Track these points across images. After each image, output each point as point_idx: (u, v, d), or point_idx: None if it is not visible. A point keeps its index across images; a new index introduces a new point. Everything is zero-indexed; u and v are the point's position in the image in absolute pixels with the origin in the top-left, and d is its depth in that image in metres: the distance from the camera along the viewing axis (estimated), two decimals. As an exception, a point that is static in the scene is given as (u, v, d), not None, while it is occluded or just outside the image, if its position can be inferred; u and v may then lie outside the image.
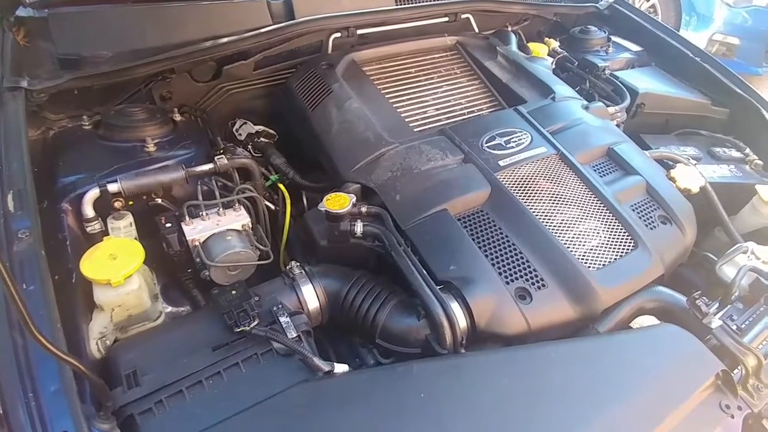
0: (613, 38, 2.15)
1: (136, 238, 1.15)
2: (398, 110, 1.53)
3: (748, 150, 1.73)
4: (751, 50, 4.10)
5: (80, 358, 0.83)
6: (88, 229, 1.14)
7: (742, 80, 1.88)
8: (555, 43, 2.09)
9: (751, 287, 1.21)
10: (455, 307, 1.02)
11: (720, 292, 1.20)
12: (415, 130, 1.47)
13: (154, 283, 1.14)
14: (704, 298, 1.09)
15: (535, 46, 2.01)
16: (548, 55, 2.02)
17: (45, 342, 0.66)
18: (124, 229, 1.15)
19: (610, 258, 1.17)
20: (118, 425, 0.80)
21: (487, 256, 1.12)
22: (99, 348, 0.95)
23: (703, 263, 1.39)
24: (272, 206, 1.42)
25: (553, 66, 1.93)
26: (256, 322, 0.94)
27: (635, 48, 2.13)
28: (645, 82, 1.88)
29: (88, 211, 1.13)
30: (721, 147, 1.74)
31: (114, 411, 0.81)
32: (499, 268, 1.10)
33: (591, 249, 1.18)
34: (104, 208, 1.16)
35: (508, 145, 1.37)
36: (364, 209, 1.19)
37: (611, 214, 1.25)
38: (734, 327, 1.09)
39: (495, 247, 1.14)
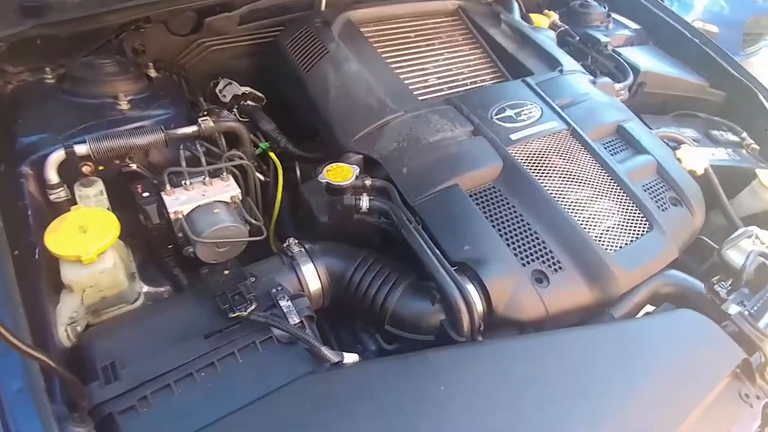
0: (612, 14, 2.08)
1: (108, 209, 1.00)
2: (400, 76, 1.41)
3: (744, 134, 1.71)
4: (729, 38, 4.15)
5: (47, 350, 0.71)
6: (52, 197, 0.99)
7: (738, 63, 1.85)
8: (555, 16, 2.00)
9: (757, 272, 1.19)
10: (471, 290, 0.94)
11: (721, 276, 1.17)
12: (419, 98, 1.36)
13: (130, 261, 1.01)
14: (722, 282, 1.05)
15: (536, 17, 1.92)
16: (549, 27, 1.93)
17: (5, 332, 0.54)
18: (94, 198, 1.00)
19: (626, 240, 1.12)
20: (95, 426, 0.68)
21: (501, 236, 1.04)
22: (69, 335, 0.82)
23: (699, 247, 1.36)
24: (261, 177, 1.29)
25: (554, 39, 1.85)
26: (253, 306, 0.84)
27: (634, 26, 2.07)
28: (646, 60, 1.82)
29: (52, 176, 0.98)
30: (718, 130, 1.72)
31: (90, 410, 0.69)
32: (515, 249, 1.03)
33: (606, 230, 1.12)
34: (71, 173, 1.01)
35: (518, 118, 1.29)
36: (368, 182, 1.08)
37: (625, 194, 1.19)
38: (746, 313, 1.06)
39: (509, 226, 1.07)
